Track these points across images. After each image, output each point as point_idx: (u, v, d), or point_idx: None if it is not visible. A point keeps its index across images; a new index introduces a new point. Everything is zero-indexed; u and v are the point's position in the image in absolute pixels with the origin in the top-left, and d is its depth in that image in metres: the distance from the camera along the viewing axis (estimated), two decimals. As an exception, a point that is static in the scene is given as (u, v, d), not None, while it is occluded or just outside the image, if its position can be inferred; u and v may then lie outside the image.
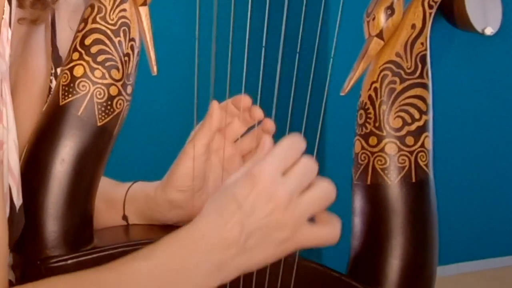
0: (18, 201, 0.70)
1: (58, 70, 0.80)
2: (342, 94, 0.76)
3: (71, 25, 0.82)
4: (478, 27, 2.64)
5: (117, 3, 0.73)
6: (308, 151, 0.72)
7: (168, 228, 0.83)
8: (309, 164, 0.69)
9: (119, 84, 0.73)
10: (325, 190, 0.69)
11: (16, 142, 0.70)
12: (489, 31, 2.65)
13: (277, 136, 0.73)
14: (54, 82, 0.80)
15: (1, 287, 0.67)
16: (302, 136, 0.70)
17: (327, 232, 0.70)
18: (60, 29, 0.82)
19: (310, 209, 0.68)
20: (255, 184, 0.66)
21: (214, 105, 0.80)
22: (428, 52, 0.77)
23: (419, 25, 0.76)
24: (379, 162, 0.76)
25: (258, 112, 0.81)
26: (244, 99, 0.81)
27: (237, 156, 0.84)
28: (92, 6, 0.73)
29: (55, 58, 0.81)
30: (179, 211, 0.82)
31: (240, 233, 0.66)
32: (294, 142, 0.69)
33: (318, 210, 0.69)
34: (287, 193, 0.66)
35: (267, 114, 0.80)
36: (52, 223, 0.72)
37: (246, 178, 0.67)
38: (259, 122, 0.82)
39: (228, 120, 0.82)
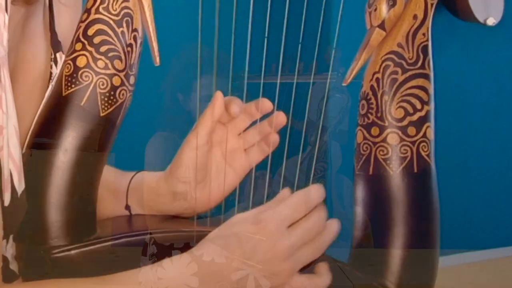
0: (19, 186, 0.70)
1: (58, 55, 0.80)
2: (344, 84, 0.77)
3: None
4: (480, 17, 2.63)
5: (119, -6, 0.73)
6: (310, 141, 0.72)
7: (170, 218, 0.84)
8: (317, 221, 0.72)
9: (122, 74, 0.74)
10: (320, 245, 0.72)
11: (17, 127, 0.70)
12: (491, 21, 2.64)
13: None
14: (54, 68, 0.80)
15: None
16: (321, 187, 0.73)
17: (315, 283, 0.72)
18: (59, 14, 0.82)
19: (305, 261, 0.72)
20: (260, 230, 0.69)
21: (218, 95, 0.80)
22: (429, 43, 0.77)
23: (420, 15, 0.76)
24: (381, 152, 0.76)
25: (267, 104, 0.81)
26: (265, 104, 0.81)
27: (240, 149, 0.84)
28: (95, -3, 0.74)
29: (55, 43, 0.81)
30: (182, 202, 0.82)
31: (235, 271, 0.68)
32: (309, 195, 0.72)
33: (312, 260, 0.72)
34: (287, 246, 0.70)
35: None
36: (55, 213, 0.72)
37: (253, 222, 0.70)
38: (265, 116, 0.82)
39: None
